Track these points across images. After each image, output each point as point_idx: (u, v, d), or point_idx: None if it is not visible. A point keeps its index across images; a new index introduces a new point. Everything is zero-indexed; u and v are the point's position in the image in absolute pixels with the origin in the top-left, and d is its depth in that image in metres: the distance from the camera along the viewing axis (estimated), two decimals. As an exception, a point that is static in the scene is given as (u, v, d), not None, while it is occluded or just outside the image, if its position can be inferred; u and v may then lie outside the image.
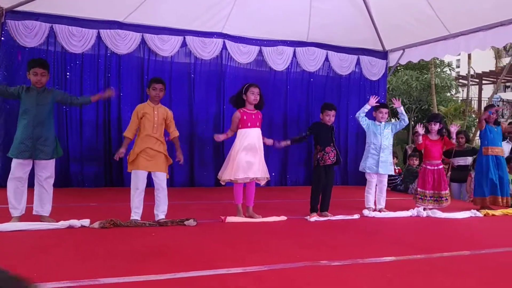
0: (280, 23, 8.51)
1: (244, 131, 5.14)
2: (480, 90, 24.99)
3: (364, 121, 6.02)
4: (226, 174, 5.10)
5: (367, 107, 6.03)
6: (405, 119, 6.03)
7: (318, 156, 5.53)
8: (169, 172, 7.98)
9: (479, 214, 5.93)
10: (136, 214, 4.69)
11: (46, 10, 7.24)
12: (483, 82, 25.20)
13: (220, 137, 5.37)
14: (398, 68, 13.43)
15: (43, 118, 4.40)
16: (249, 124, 5.13)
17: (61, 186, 6.90)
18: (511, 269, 3.47)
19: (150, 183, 4.83)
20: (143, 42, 7.97)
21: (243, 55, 8.65)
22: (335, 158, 5.51)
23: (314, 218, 5.27)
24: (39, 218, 4.45)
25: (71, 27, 7.49)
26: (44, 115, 4.42)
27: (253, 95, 5.14)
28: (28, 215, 4.45)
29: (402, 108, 6.11)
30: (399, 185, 8.78)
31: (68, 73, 7.60)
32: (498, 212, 6.03)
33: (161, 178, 4.78)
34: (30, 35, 7.23)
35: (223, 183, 5.25)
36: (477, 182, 6.39)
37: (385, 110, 6.12)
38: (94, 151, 7.76)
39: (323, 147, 5.51)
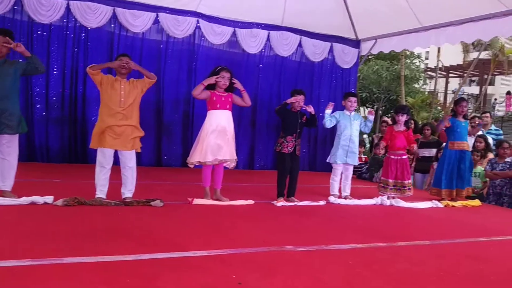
0: (256, 6, 8.43)
1: (213, 113, 5.10)
2: (447, 83, 25.65)
3: (333, 122, 6.07)
4: (195, 156, 5.06)
5: (327, 112, 6.07)
6: (369, 126, 6.22)
7: (278, 142, 5.58)
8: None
9: (440, 205, 6.11)
10: (101, 192, 4.61)
11: (13, -24, 6.94)
12: (450, 75, 25.88)
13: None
14: (369, 57, 13.59)
15: (6, 92, 4.24)
16: (218, 106, 5.10)
17: (25, 160, 6.71)
18: (468, 259, 3.60)
19: (116, 161, 4.76)
20: (114, 16, 7.74)
21: (217, 35, 8.54)
22: (292, 149, 5.50)
23: (281, 203, 5.32)
24: (0, 193, 4.33)
25: (40, -4, 7.20)
26: (6, 88, 4.25)
27: (223, 79, 5.10)
28: (-12, 190, 4.32)
29: (372, 118, 6.26)
30: (365, 173, 8.94)
31: (34, 44, 7.32)
32: (458, 204, 6.23)
33: (128, 157, 4.70)
34: (-6, 2, 6.93)
35: (191, 166, 5.21)
36: (437, 174, 6.58)
37: (353, 99, 6.19)
38: (59, 126, 7.55)
39: (285, 135, 5.53)
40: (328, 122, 6.06)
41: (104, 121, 4.57)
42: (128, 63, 4.70)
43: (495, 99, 28.21)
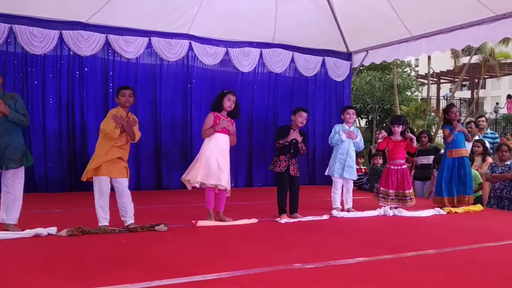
0: (246, 25, 8.53)
1: (215, 135, 5.13)
2: (439, 89, 25.85)
3: (335, 138, 6.09)
4: (193, 175, 5.03)
5: (342, 137, 6.06)
6: (359, 145, 6.20)
7: (273, 160, 5.63)
8: (136, 175, 7.90)
9: (443, 212, 6.13)
10: (104, 219, 4.60)
11: (5, 10, 7.00)
12: (441, 81, 26.10)
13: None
14: (361, 68, 13.70)
15: (8, 126, 4.24)
16: (219, 129, 5.13)
17: (25, 192, 6.65)
18: (475, 266, 3.60)
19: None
20: (107, 43, 7.82)
21: (210, 56, 8.62)
22: (284, 168, 5.50)
23: (284, 219, 5.31)
24: (3, 227, 4.31)
25: (32, 28, 7.27)
26: (7, 122, 4.25)
27: (229, 101, 5.17)
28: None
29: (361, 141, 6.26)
30: (365, 184, 8.96)
31: (29, 75, 7.37)
32: (460, 210, 6.25)
33: (124, 184, 4.69)
34: (-13, 36, 6.98)
35: (189, 188, 5.19)
36: (437, 182, 6.61)
37: (352, 111, 6.26)
38: (58, 155, 7.55)
39: (279, 155, 5.56)
40: (332, 139, 6.11)
41: (104, 157, 4.56)
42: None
43: (497, 103, 28.35)
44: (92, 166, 4.60)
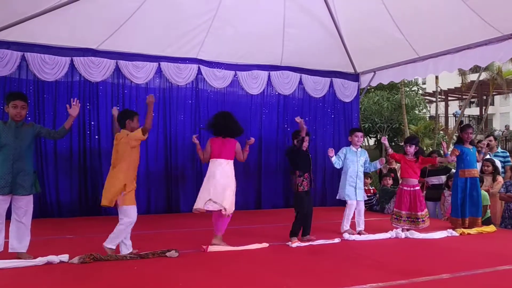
0: (254, 48, 8.61)
1: (213, 162, 5.24)
2: (447, 106, 25.78)
3: (341, 159, 6.19)
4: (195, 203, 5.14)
5: (331, 157, 6.18)
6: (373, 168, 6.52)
7: (298, 181, 5.59)
8: (146, 199, 8.00)
9: (455, 233, 6.06)
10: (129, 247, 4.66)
11: (18, 38, 7.12)
12: (449, 98, 26.05)
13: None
14: (369, 89, 13.74)
15: (22, 153, 4.32)
16: (217, 154, 5.21)
17: (37, 217, 6.70)
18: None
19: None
20: (117, 69, 7.92)
21: (219, 80, 8.70)
22: (309, 184, 5.62)
23: (295, 244, 5.28)
24: (15, 255, 4.32)
25: (44, 55, 7.39)
26: (23, 149, 4.34)
27: None
28: (5, 252, 4.32)
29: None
30: (375, 205, 8.89)
31: (41, 101, 7.47)
32: (473, 231, 6.18)
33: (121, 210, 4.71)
34: (1, 64, 7.08)
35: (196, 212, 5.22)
36: (453, 204, 6.53)
37: (360, 134, 6.27)
38: (70, 180, 7.59)
39: (303, 173, 5.58)
40: (337, 163, 6.14)
41: (133, 182, 4.66)
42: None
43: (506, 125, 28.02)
44: (128, 189, 4.60)
